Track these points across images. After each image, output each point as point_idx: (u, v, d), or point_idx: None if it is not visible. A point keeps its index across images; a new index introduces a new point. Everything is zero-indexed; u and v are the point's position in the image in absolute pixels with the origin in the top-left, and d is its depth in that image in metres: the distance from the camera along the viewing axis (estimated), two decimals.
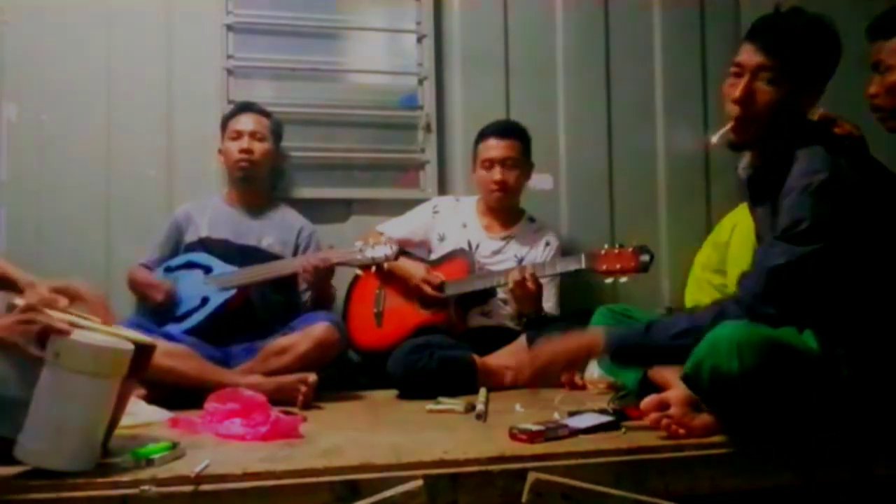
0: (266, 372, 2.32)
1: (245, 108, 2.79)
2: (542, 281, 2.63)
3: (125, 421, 1.67)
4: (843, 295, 1.66)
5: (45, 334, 1.38)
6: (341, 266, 2.61)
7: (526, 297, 2.58)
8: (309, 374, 2.25)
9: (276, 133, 2.83)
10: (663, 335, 1.69)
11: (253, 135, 2.73)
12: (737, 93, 1.71)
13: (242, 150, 2.70)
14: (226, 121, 2.79)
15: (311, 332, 2.38)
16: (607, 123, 3.25)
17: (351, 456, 1.54)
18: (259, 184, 2.79)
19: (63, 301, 1.50)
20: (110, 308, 1.61)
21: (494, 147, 2.80)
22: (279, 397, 2.12)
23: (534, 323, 2.64)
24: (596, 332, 1.79)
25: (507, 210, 2.89)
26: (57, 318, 1.43)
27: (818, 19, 1.71)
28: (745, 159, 1.86)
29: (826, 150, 1.67)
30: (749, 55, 1.71)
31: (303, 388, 2.22)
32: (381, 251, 2.48)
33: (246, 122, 2.74)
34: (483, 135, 2.85)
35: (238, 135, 2.72)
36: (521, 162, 2.81)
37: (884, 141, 1.95)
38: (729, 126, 1.74)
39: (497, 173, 2.78)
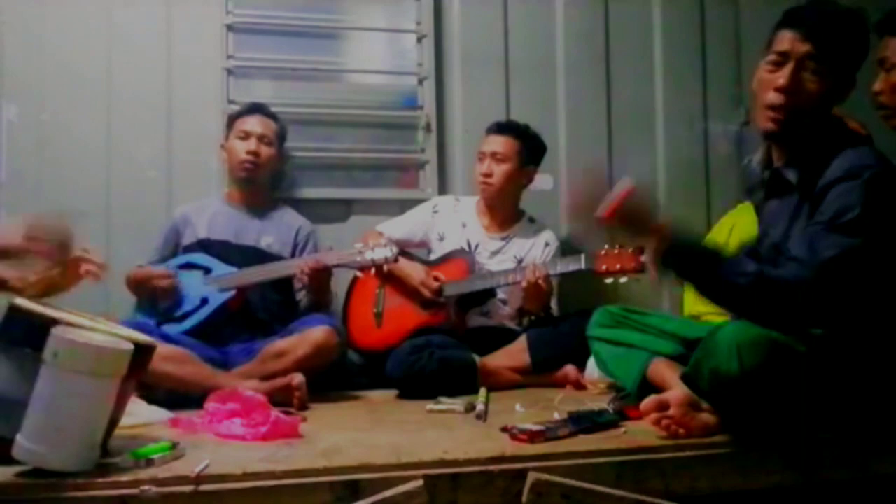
0: (264, 375, 2.31)
1: (255, 109, 2.79)
2: None
3: (125, 421, 1.67)
4: (872, 291, 1.64)
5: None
6: (341, 268, 2.60)
7: (538, 297, 2.57)
8: (294, 376, 2.24)
9: (282, 137, 2.83)
10: (724, 266, 1.59)
11: (261, 138, 2.73)
12: (783, 81, 1.64)
13: (249, 152, 2.70)
14: (234, 119, 2.79)
15: (309, 336, 2.37)
16: (607, 123, 3.25)
17: (351, 456, 1.54)
18: (260, 185, 2.80)
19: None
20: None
21: (489, 141, 2.84)
22: (276, 401, 2.10)
23: (539, 322, 2.64)
24: (671, 228, 1.62)
25: (504, 209, 2.89)
26: (57, 315, 1.43)
27: (855, 11, 1.66)
28: (758, 154, 1.84)
29: (866, 152, 1.64)
30: (794, 43, 1.64)
31: (297, 393, 2.22)
32: (381, 253, 2.48)
33: (255, 124, 2.74)
34: (486, 131, 2.87)
35: (246, 135, 2.72)
36: (513, 159, 2.80)
37: (884, 138, 1.94)
38: (769, 125, 1.68)
39: (484, 166, 2.80)
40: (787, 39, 1.66)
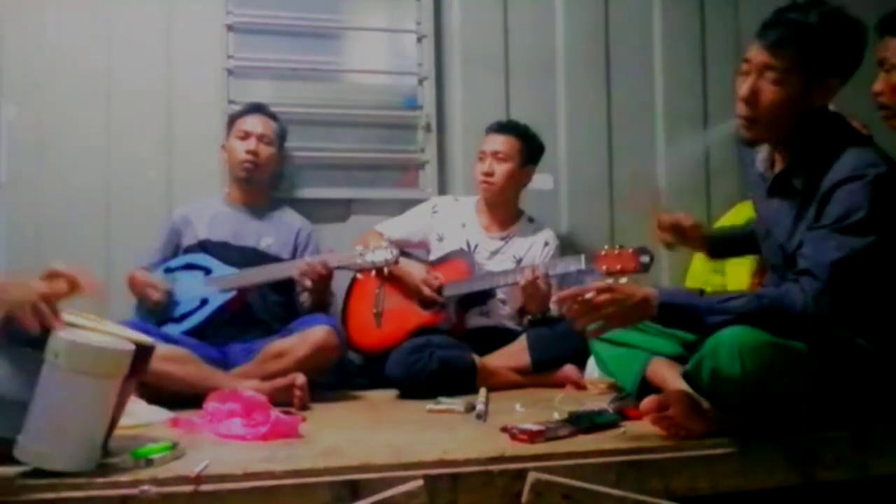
0: (264, 375, 2.31)
1: (255, 109, 2.79)
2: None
3: (125, 421, 1.67)
4: (880, 293, 1.64)
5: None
6: (341, 269, 2.61)
7: (537, 297, 2.57)
8: (297, 376, 2.24)
9: (282, 137, 2.83)
10: (715, 299, 1.66)
11: (261, 138, 2.73)
12: (742, 92, 1.69)
13: (249, 152, 2.70)
14: (234, 119, 2.79)
15: (309, 337, 2.37)
16: (607, 123, 3.25)
17: (351, 456, 1.54)
18: (260, 185, 2.79)
19: (61, 286, 1.50)
20: (93, 282, 1.59)
21: (490, 141, 2.84)
22: (276, 401, 2.11)
23: (539, 322, 2.64)
24: (649, 290, 1.66)
25: (504, 209, 2.89)
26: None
27: (835, 12, 1.65)
28: (763, 152, 1.85)
29: (870, 152, 1.65)
30: (755, 53, 1.68)
31: (298, 393, 2.22)
32: (381, 255, 2.48)
33: (255, 124, 2.74)
34: (486, 130, 2.88)
35: (246, 135, 2.72)
36: (515, 159, 2.81)
37: (884, 138, 1.95)
38: (742, 133, 1.73)
39: (486, 165, 2.80)
40: (752, 48, 1.69)
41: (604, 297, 1.62)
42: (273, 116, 2.80)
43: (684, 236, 2.03)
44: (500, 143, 2.81)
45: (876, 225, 1.58)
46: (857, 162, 1.62)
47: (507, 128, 2.86)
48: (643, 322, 1.77)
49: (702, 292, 1.69)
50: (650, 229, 2.05)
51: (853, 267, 1.58)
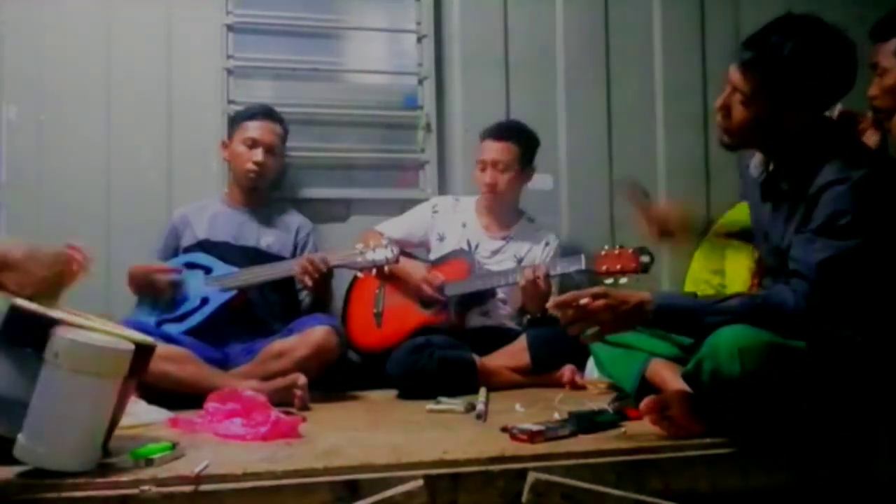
0: (264, 375, 2.31)
1: (264, 114, 2.74)
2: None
3: (125, 421, 1.67)
4: (869, 292, 1.65)
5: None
6: (341, 268, 2.61)
7: (537, 297, 2.57)
8: (298, 376, 2.24)
9: (285, 140, 2.82)
10: (710, 300, 1.70)
11: (269, 148, 2.70)
12: (717, 102, 1.74)
13: (256, 163, 2.67)
14: (240, 120, 2.75)
15: (309, 337, 2.37)
16: (607, 123, 3.25)
17: (351, 456, 1.54)
18: (262, 189, 2.79)
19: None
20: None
21: (488, 149, 2.80)
22: (276, 401, 2.11)
23: (538, 322, 2.64)
24: (644, 294, 1.68)
25: (504, 210, 2.89)
26: (58, 315, 1.43)
27: (817, 42, 1.63)
28: (756, 157, 1.86)
29: (856, 154, 1.66)
30: (731, 69, 1.70)
31: (298, 393, 2.22)
32: (382, 254, 2.48)
33: (263, 133, 2.70)
34: (482, 136, 2.85)
35: (253, 143, 2.68)
36: (515, 165, 2.79)
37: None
38: (720, 139, 1.79)
39: (487, 176, 2.78)
40: (731, 66, 1.71)
41: (599, 302, 1.63)
42: (279, 119, 2.77)
43: (670, 231, 2.03)
44: (498, 151, 2.77)
45: (861, 227, 1.60)
46: (842, 166, 1.63)
47: (504, 134, 2.81)
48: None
49: (695, 296, 1.70)
50: (641, 226, 2.05)
51: (840, 267, 1.60)
